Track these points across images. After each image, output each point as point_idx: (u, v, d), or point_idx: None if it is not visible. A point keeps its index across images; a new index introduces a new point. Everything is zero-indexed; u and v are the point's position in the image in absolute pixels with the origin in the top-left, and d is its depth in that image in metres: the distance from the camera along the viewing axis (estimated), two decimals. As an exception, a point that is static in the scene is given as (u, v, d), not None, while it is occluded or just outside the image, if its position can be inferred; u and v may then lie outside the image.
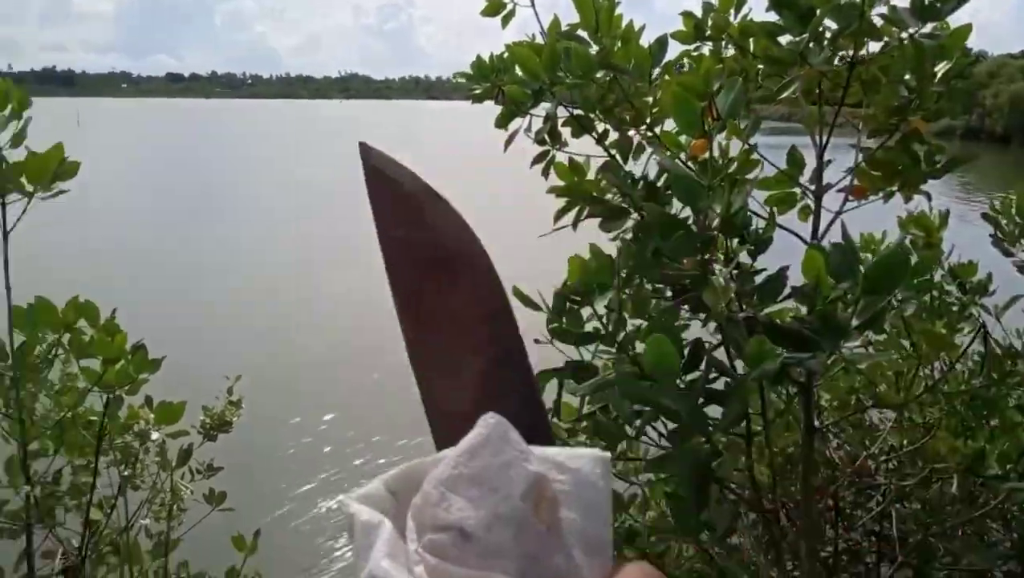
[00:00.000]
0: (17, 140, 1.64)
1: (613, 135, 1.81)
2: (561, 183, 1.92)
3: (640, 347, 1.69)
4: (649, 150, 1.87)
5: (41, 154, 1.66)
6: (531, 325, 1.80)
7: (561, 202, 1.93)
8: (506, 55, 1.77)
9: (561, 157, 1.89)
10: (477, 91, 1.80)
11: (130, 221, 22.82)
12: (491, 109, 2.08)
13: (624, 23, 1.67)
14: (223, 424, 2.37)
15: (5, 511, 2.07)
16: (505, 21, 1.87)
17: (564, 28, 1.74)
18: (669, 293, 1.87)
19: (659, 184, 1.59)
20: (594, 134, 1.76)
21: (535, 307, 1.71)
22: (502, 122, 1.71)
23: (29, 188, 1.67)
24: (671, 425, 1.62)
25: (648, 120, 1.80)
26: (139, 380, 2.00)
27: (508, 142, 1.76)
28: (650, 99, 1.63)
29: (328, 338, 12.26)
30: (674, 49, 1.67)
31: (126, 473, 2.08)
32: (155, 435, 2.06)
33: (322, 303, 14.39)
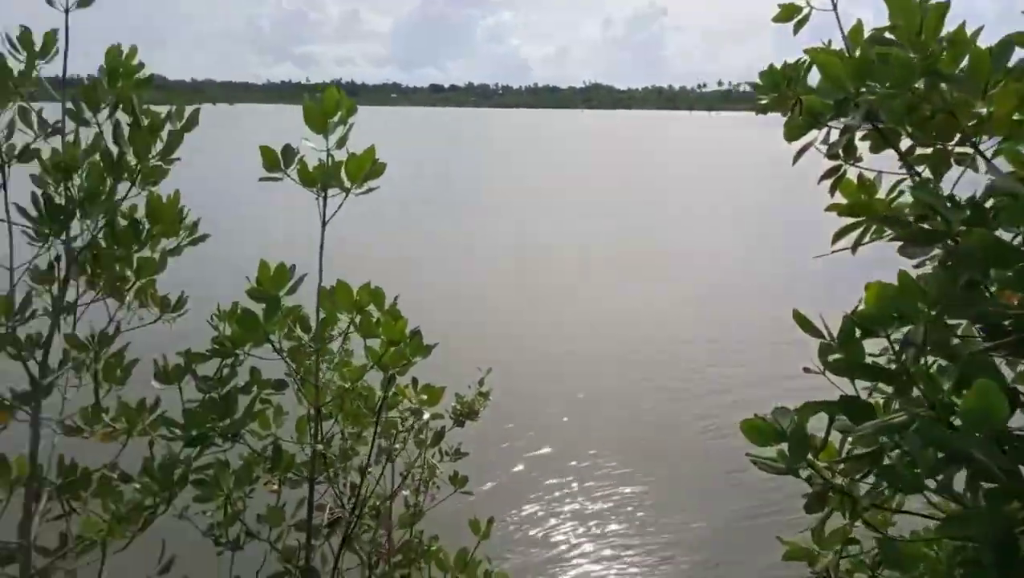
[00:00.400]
0: (341, 142, 1.89)
1: (919, 150, 1.62)
2: (843, 201, 1.77)
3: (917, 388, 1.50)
4: (958, 168, 1.66)
5: (359, 155, 1.89)
6: (805, 352, 1.69)
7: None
8: (802, 63, 1.68)
9: (850, 173, 1.74)
10: (764, 101, 1.71)
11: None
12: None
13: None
14: (471, 412, 2.52)
15: (295, 464, 2.38)
16: (798, 26, 1.77)
17: (869, 32, 1.61)
18: (975, 329, 1.64)
19: (986, 206, 1.39)
20: (900, 148, 1.60)
21: (816, 333, 1.59)
22: (794, 133, 1.61)
23: (347, 184, 1.92)
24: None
25: (960, 133, 1.59)
26: (412, 362, 2.19)
27: (798, 155, 1.66)
28: (983, 111, 1.43)
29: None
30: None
31: (396, 446, 2.30)
32: (426, 415, 2.25)
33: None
